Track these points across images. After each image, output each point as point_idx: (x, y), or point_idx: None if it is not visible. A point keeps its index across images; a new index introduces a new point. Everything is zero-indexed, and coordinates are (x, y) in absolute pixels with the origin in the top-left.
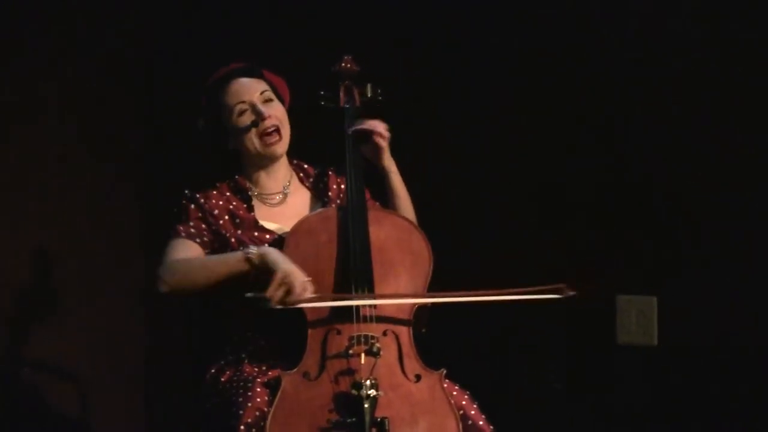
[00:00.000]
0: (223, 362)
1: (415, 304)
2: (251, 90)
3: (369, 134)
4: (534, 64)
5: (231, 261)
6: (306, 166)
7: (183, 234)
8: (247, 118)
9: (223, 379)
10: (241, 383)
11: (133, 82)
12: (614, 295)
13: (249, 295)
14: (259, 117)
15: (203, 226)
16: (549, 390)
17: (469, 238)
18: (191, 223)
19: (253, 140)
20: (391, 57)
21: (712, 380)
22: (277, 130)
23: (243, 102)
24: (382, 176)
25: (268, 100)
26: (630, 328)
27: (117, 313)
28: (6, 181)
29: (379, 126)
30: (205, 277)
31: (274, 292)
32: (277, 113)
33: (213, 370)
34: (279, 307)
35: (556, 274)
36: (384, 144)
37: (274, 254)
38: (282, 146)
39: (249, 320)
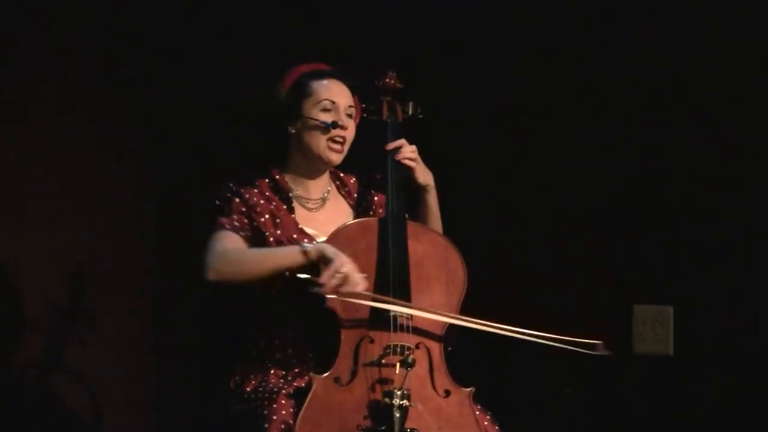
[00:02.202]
0: (248, 369)
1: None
2: (344, 98)
3: (398, 156)
4: (537, 65)
5: (285, 254)
6: (342, 175)
7: (228, 226)
8: (328, 117)
9: (248, 388)
10: (267, 394)
11: (133, 81)
12: (631, 304)
13: (303, 276)
14: (339, 122)
15: (245, 221)
16: (558, 395)
17: (482, 249)
18: (235, 217)
19: (320, 138)
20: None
21: (728, 390)
22: (343, 143)
23: (333, 102)
24: (418, 191)
25: (349, 116)
26: (646, 338)
27: (125, 314)
28: (7, 181)
29: (405, 149)
30: (257, 269)
31: (328, 280)
32: (351, 131)
33: (237, 377)
34: (330, 295)
35: (574, 284)
36: (413, 164)
37: (331, 248)
38: (339, 158)
39: (277, 327)
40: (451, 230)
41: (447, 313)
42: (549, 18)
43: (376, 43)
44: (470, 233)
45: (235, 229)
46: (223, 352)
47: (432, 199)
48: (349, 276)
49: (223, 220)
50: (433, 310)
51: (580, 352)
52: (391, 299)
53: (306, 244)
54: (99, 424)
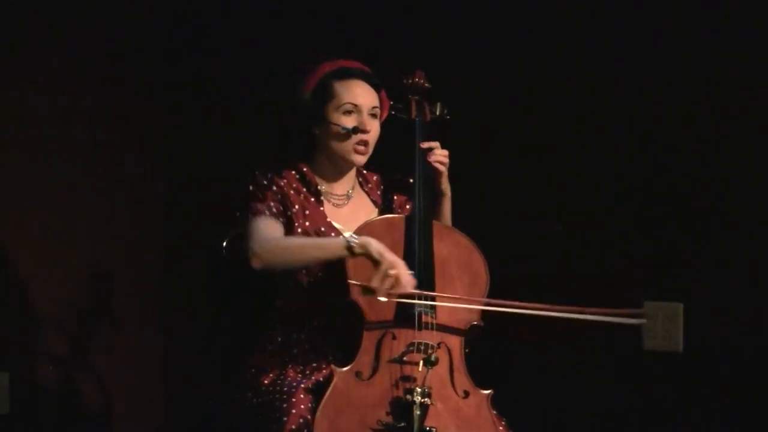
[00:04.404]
0: (265, 363)
1: (470, 322)
2: (368, 99)
3: (431, 157)
4: (549, 62)
5: (331, 246)
6: (365, 172)
7: (267, 213)
8: (350, 121)
9: (266, 381)
10: (285, 388)
11: (141, 81)
12: (641, 301)
13: (354, 282)
14: (361, 127)
15: (281, 208)
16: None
17: (492, 244)
18: (272, 204)
19: (343, 142)
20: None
21: (737, 387)
22: (367, 146)
23: (355, 105)
24: (435, 196)
25: (373, 116)
26: (656, 334)
27: (136, 309)
28: (16, 183)
29: (438, 152)
30: (301, 259)
31: (380, 284)
32: (375, 132)
33: (253, 369)
34: (383, 299)
35: (584, 281)
36: (443, 169)
37: (376, 244)
38: (364, 159)
39: (296, 323)
40: (461, 225)
41: (487, 301)
42: (562, 16)
43: (391, 43)
44: (481, 228)
45: (273, 216)
46: (235, 347)
47: (447, 205)
48: (400, 277)
49: (260, 206)
50: (477, 299)
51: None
52: (435, 294)
53: (352, 238)
54: (109, 417)
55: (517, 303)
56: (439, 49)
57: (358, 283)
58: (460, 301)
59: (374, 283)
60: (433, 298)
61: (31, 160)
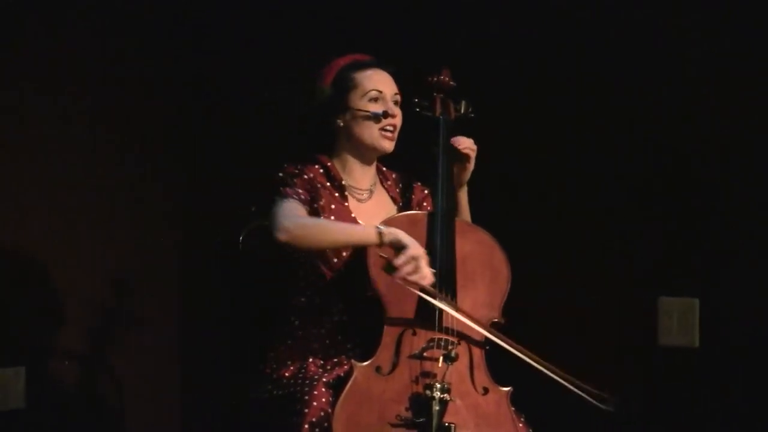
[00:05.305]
0: (285, 356)
1: (491, 319)
2: (390, 85)
3: (462, 152)
4: (562, 60)
5: (360, 231)
6: (384, 169)
7: (294, 197)
8: (377, 107)
9: (286, 374)
10: (306, 381)
11: (141, 81)
12: (656, 296)
13: (382, 255)
14: (390, 111)
15: (309, 197)
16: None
17: (508, 241)
18: (300, 191)
19: (372, 128)
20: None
21: (753, 383)
22: (394, 131)
23: (380, 91)
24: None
25: (396, 103)
26: (672, 330)
27: (149, 307)
28: (16, 183)
29: (472, 148)
30: (329, 238)
31: (403, 264)
32: (400, 117)
33: (273, 363)
34: (399, 281)
35: (600, 276)
36: (472, 166)
37: (406, 235)
38: (392, 145)
39: (316, 318)
40: (492, 230)
41: (491, 330)
42: (562, 16)
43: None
44: (496, 225)
45: (301, 201)
46: (252, 342)
47: (465, 197)
48: (421, 267)
49: (288, 190)
50: (480, 323)
51: (587, 398)
52: (443, 298)
53: (382, 226)
54: (125, 411)
55: (508, 341)
56: (439, 49)
57: (384, 255)
58: (467, 317)
59: (398, 261)
60: (448, 304)
61: (33, 160)
